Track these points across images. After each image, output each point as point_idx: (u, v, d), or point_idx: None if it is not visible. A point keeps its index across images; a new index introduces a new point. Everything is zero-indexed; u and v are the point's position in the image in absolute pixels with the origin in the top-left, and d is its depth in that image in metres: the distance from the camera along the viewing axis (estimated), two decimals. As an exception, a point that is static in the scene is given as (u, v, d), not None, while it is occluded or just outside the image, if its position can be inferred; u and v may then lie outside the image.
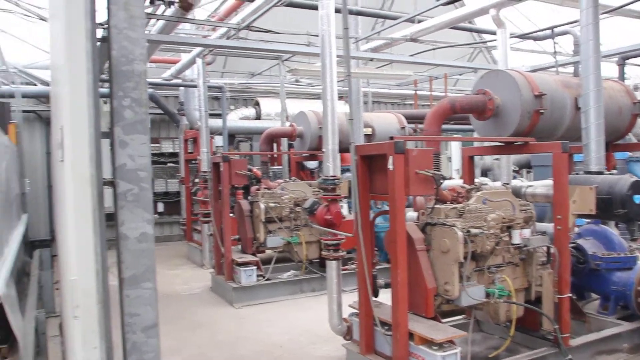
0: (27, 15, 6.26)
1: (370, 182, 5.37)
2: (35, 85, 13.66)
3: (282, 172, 12.15)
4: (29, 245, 11.79)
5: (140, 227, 2.45)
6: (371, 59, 10.38)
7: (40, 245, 11.16)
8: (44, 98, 13.86)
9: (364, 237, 5.28)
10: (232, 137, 14.89)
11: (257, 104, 15.72)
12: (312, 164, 12.70)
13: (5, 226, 5.93)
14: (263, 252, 9.93)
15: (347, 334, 5.98)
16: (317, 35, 9.26)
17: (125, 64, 2.46)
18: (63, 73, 2.09)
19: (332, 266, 6.01)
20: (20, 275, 7.66)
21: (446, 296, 5.19)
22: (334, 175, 5.88)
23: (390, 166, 4.79)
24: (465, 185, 6.15)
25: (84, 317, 2.07)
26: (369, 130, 10.29)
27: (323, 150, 5.91)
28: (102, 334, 2.09)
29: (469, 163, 6.81)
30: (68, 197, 2.08)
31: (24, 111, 13.40)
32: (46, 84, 13.54)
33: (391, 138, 4.84)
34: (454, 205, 5.49)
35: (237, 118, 14.98)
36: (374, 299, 5.46)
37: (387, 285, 5.57)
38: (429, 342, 4.79)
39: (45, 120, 14.39)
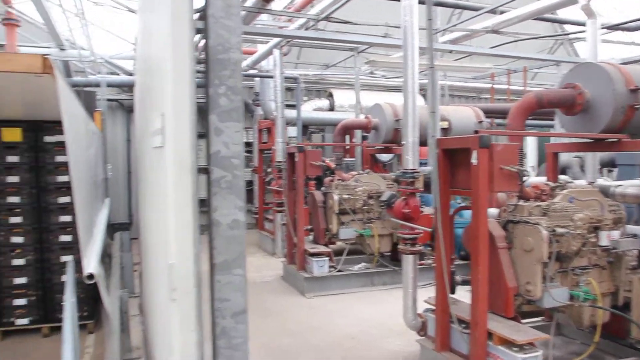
0: (116, 8, 6.50)
1: (451, 177, 5.25)
2: (118, 74, 14.19)
3: (355, 164, 12.11)
4: (110, 227, 12.33)
5: (232, 214, 2.47)
6: (450, 51, 10.15)
7: (119, 228, 11.64)
8: (126, 87, 14.39)
9: (444, 232, 5.18)
10: (305, 128, 14.99)
11: (330, 95, 15.74)
12: (385, 157, 12.60)
13: (94, 209, 6.20)
14: (334, 243, 9.96)
15: (422, 330, 5.90)
16: (396, 27, 9.19)
17: (222, 52, 2.48)
18: (166, 61, 2.14)
19: (408, 260, 5.94)
20: (102, 256, 8.01)
21: (527, 296, 5.02)
22: (413, 169, 5.79)
23: (474, 161, 4.66)
24: (549, 183, 5.92)
25: (181, 301, 2.11)
26: (445, 124, 10.09)
27: (402, 142, 5.83)
28: (198, 318, 2.12)
29: (553, 160, 6.53)
30: (169, 182, 2.13)
31: (108, 100, 13.96)
32: (129, 73, 14.05)
33: (476, 132, 4.70)
34: (538, 203, 5.30)
35: (311, 109, 15.04)
36: (450, 295, 5.35)
37: (464, 283, 5.46)
38: (508, 343, 4.64)
39: (126, 109, 14.93)
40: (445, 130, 10.07)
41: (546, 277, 4.91)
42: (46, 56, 3.32)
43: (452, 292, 5.36)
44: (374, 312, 7.90)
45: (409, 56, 5.70)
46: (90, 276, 3.40)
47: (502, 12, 9.54)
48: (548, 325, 5.84)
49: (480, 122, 10.58)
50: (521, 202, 5.32)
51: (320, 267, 8.87)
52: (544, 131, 14.24)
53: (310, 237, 10.00)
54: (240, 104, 2.51)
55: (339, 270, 9.12)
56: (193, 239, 2.08)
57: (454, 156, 5.20)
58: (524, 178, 4.93)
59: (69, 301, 2.84)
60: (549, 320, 6.01)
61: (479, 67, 11.99)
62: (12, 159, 6.59)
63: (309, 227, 9.96)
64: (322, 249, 9.18)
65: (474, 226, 4.77)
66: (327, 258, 8.99)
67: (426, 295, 5.95)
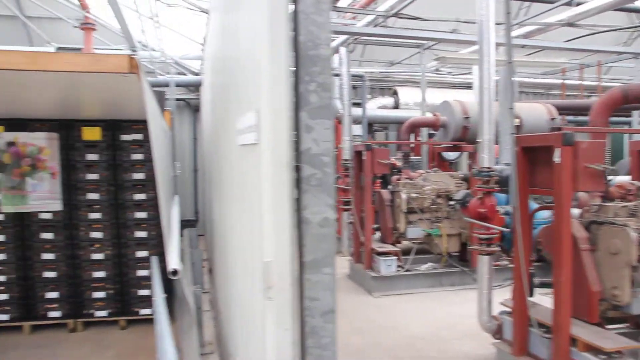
0: (190, 9, 6.62)
1: (531, 175, 5.07)
2: (185, 74, 14.53)
3: (421, 162, 11.93)
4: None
5: (322, 212, 2.45)
6: (523, 46, 9.82)
7: (187, 225, 11.90)
8: (192, 87, 14.71)
9: (523, 233, 5.00)
10: (369, 126, 14.89)
11: (395, 93, 15.57)
12: (451, 155, 12.36)
13: (170, 205, 6.35)
14: (399, 242, 9.85)
15: (497, 333, 5.73)
16: (467, 22, 8.99)
17: (312, 48, 2.46)
18: (263, 58, 2.14)
19: (483, 261, 5.77)
20: (174, 252, 8.20)
21: (614, 302, 4.78)
22: (488, 167, 5.63)
23: (556, 159, 4.48)
24: (635, 182, 5.63)
25: (277, 299, 2.10)
26: (516, 121, 9.77)
27: (477, 140, 5.68)
28: (293, 316, 2.11)
29: (638, 158, 6.21)
30: (264, 179, 2.12)
31: (176, 99, 14.30)
32: (195, 73, 14.39)
33: (558, 129, 4.53)
34: (624, 204, 5.04)
35: (375, 107, 14.92)
36: (529, 298, 5.17)
37: (542, 285, 5.27)
38: (594, 350, 4.44)
39: (193, 108, 15.24)
40: (516, 128, 9.75)
41: (635, 281, 4.66)
42: (132, 56, 3.40)
43: (531, 294, 5.17)
44: (444, 313, 7.76)
45: (485, 51, 5.54)
46: (175, 272, 3.47)
47: (578, 4, 9.15)
48: (633, 332, 5.55)
49: (553, 119, 10.20)
50: (607, 203, 5.08)
51: (387, 266, 8.78)
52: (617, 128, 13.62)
53: (376, 236, 9.92)
54: (330, 100, 2.48)
55: (407, 270, 9.01)
56: (290, 237, 2.06)
57: (533, 154, 5.02)
58: (609, 177, 4.71)
59: (159, 297, 2.89)
60: (634, 328, 5.71)
61: (553, 62, 11.56)
62: (92, 157, 6.85)
63: (376, 225, 9.87)
64: (390, 248, 9.10)
65: (556, 227, 4.60)
66: (395, 257, 8.90)
67: (499, 297, 5.79)
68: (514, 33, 9.62)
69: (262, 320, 2.25)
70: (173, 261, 3.58)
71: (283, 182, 2.02)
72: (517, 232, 5.02)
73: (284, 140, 2.02)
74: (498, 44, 5.83)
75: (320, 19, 2.45)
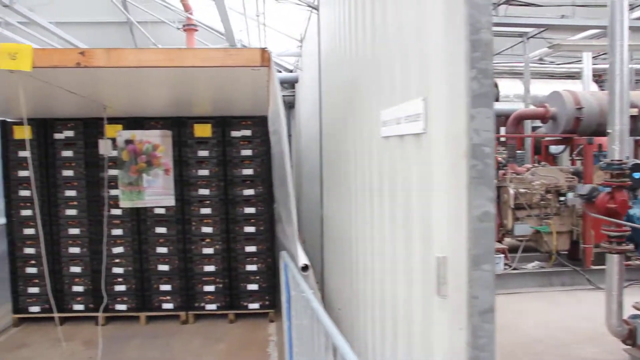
0: (297, 4, 6.64)
1: (672, 168, 4.67)
2: (280, 72, 14.69)
3: (525, 156, 11.41)
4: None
5: (483, 205, 2.30)
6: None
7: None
8: (287, 84, 14.85)
9: (664, 230, 4.62)
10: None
11: (494, 85, 14.97)
12: (556, 149, 11.76)
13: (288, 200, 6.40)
14: (503, 239, 9.46)
15: (628, 338, 5.35)
16: (582, 6, 8.50)
17: (473, 33, 2.32)
18: (436, 40, 2.03)
19: (613, 260, 5.40)
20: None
21: None
22: (619, 160, 5.25)
23: None
24: None
25: (452, 297, 1.99)
26: (634, 111, 9.13)
27: (608, 131, 5.31)
28: (469, 315, 1.98)
29: None
30: (436, 171, 2.02)
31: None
32: (289, 70, 14.53)
33: None
34: None
35: (473, 100, 14.40)
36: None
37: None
38: None
39: (286, 104, 15.36)
40: (634, 118, 9.12)
41: None
42: (265, 49, 3.38)
43: (672, 297, 4.78)
44: (557, 314, 7.38)
45: (617, 35, 5.14)
46: (305, 267, 3.43)
47: None
48: None
49: (676, 108, 9.44)
50: None
51: (495, 264, 8.45)
52: None
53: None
54: (491, 88, 2.33)
55: (514, 269, 8.65)
56: (467, 232, 1.94)
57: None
58: None
59: (309, 292, 2.85)
60: None
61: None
62: (203, 153, 7.01)
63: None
64: (497, 245, 8.76)
65: None
66: (502, 255, 8.57)
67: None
68: (632, 15, 9.00)
69: (426, 319, 2.14)
70: (302, 257, 3.55)
71: (461, 172, 1.89)
72: (656, 230, 4.65)
73: (462, 129, 1.88)
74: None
75: (481, 1, 2.31)
